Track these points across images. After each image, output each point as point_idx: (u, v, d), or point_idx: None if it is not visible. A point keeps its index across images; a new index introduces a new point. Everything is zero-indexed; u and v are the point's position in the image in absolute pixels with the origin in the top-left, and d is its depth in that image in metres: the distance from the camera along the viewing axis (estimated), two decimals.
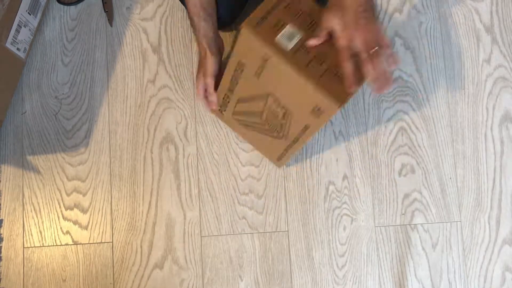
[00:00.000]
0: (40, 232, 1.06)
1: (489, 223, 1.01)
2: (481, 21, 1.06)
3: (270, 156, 1.03)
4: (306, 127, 0.83)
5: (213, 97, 0.96)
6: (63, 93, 1.10)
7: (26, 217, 1.06)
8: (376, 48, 0.67)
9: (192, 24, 0.93)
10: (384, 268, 1.02)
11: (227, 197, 1.06)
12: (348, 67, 0.70)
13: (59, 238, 1.06)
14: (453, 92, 1.05)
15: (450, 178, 1.02)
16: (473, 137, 1.03)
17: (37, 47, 1.12)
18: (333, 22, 0.71)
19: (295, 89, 0.76)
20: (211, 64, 0.93)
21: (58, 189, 1.07)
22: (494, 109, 1.03)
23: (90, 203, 1.06)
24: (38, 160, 1.08)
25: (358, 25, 0.67)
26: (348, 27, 0.68)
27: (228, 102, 0.94)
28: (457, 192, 1.02)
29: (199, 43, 0.94)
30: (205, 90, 0.97)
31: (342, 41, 0.70)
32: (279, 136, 0.91)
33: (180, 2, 1.03)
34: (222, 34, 1.11)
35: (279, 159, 1.00)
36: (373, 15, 0.69)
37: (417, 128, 1.04)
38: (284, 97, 0.81)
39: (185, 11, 1.07)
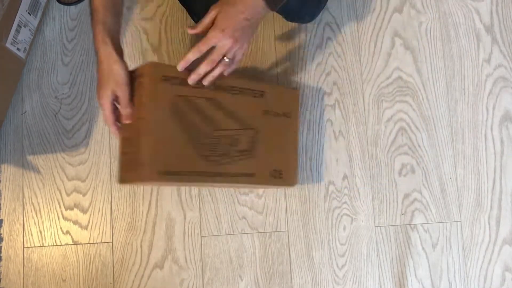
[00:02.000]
0: (40, 232, 1.06)
1: (489, 223, 1.01)
2: (481, 21, 1.06)
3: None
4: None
5: (129, 109, 0.78)
6: (63, 93, 1.10)
7: (26, 217, 1.06)
8: (228, 60, 0.77)
9: (97, 20, 0.79)
10: (384, 268, 1.02)
11: (227, 197, 1.06)
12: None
13: (59, 238, 1.06)
14: (453, 92, 1.05)
15: (450, 178, 1.02)
16: (473, 137, 1.03)
17: (37, 47, 1.12)
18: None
19: None
20: (122, 70, 0.77)
21: (58, 189, 1.07)
22: (494, 109, 1.03)
23: (90, 203, 1.06)
24: (38, 160, 1.08)
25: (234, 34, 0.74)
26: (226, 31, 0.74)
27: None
28: (457, 192, 1.02)
29: (101, 46, 0.78)
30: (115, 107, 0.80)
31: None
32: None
33: (179, 3, 1.03)
34: None
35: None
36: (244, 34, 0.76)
37: (417, 128, 1.04)
38: None
39: (185, 11, 1.07)
